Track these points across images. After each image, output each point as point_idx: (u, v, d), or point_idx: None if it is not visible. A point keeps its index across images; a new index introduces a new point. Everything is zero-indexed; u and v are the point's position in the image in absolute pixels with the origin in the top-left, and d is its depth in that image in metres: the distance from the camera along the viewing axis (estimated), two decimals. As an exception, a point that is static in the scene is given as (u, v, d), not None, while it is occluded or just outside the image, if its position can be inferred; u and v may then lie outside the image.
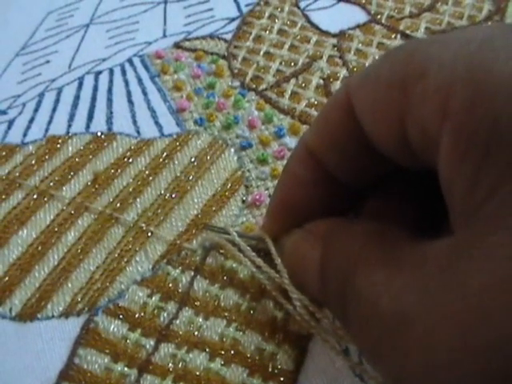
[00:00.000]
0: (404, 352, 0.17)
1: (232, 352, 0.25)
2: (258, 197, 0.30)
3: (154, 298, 0.27)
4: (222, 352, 0.25)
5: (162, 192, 0.30)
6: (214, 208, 0.30)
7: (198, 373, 0.25)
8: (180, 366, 0.25)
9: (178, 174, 0.31)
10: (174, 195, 0.30)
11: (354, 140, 0.22)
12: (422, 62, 0.18)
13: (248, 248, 0.26)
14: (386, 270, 0.18)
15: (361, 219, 0.24)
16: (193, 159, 0.31)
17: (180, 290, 0.27)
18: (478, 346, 0.15)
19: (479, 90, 0.16)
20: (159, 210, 0.29)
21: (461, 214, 0.17)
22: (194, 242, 0.28)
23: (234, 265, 0.27)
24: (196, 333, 0.26)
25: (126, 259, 0.28)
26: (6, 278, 0.28)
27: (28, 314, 0.27)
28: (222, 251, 0.28)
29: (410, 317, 0.17)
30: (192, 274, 0.27)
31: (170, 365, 0.25)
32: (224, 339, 0.25)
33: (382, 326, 0.18)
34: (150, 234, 0.29)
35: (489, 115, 0.16)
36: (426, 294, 0.16)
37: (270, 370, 0.25)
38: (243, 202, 0.30)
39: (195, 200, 0.30)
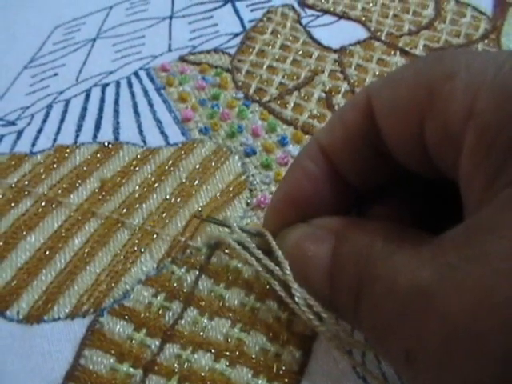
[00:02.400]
0: (421, 323, 0.17)
1: (237, 353, 0.25)
2: (262, 199, 0.30)
3: (158, 298, 0.27)
4: (227, 353, 0.25)
5: (168, 197, 0.31)
6: (218, 209, 0.30)
7: (203, 373, 0.25)
8: (185, 366, 0.25)
9: (183, 180, 0.31)
10: (179, 199, 0.30)
11: (369, 142, 0.22)
12: (450, 65, 0.19)
13: (249, 240, 0.26)
14: (404, 253, 0.19)
15: (369, 219, 0.24)
16: (197, 166, 0.32)
17: (185, 290, 0.27)
18: (501, 302, 0.15)
19: (508, 93, 0.17)
20: (164, 214, 0.30)
21: (479, 205, 0.18)
22: (199, 239, 0.29)
23: (239, 265, 0.28)
24: (201, 333, 0.26)
25: (131, 260, 0.28)
26: (14, 282, 0.28)
27: (35, 317, 0.27)
28: (226, 251, 0.28)
29: (428, 289, 0.17)
30: (197, 273, 0.28)
31: (176, 365, 0.25)
32: (229, 340, 0.26)
33: (398, 301, 0.18)
34: (155, 236, 0.29)
35: None
36: (445, 267, 0.17)
37: (275, 370, 0.25)
38: (247, 204, 0.31)
39: (200, 203, 0.30)
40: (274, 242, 0.25)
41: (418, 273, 0.18)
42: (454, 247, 0.17)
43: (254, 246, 0.26)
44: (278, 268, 0.24)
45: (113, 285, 0.28)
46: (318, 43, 0.39)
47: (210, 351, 0.25)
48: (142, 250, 0.29)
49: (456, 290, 0.16)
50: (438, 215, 0.22)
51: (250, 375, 0.25)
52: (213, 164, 0.32)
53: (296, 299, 0.23)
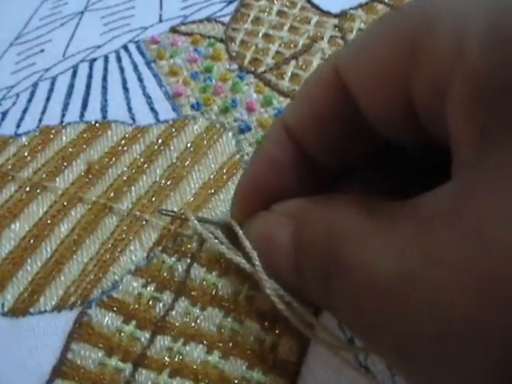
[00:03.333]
0: (411, 316, 0.16)
1: (230, 344, 0.24)
2: (256, 181, 0.28)
3: (148, 288, 0.26)
4: (220, 344, 0.24)
5: (158, 179, 0.29)
6: (210, 192, 0.28)
7: (195, 366, 0.24)
8: (176, 359, 0.24)
9: (174, 161, 0.30)
10: (169, 182, 0.29)
11: (341, 119, 0.20)
12: (431, 13, 0.17)
13: (210, 236, 0.25)
14: (377, 233, 0.17)
15: (335, 194, 0.22)
16: (189, 145, 0.30)
17: (176, 279, 0.26)
18: (504, 294, 0.14)
19: (497, 32, 0.15)
20: (154, 198, 0.28)
21: (470, 159, 0.16)
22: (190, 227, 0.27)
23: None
24: (193, 324, 0.25)
25: (119, 249, 0.27)
26: (-1, 273, 0.27)
27: (20, 309, 0.26)
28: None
29: (414, 275, 0.15)
30: (188, 261, 0.26)
31: (166, 358, 0.24)
32: (222, 330, 0.24)
33: (381, 293, 0.16)
34: (144, 222, 0.28)
35: (508, 59, 0.15)
36: (432, 248, 0.15)
37: (271, 362, 0.24)
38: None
39: (192, 186, 0.29)
40: (241, 232, 0.24)
41: (401, 256, 0.16)
42: (440, 220, 0.15)
43: (211, 236, 0.25)
44: (244, 261, 0.23)
45: (101, 275, 0.26)
46: (317, 8, 0.37)
47: (203, 343, 0.24)
48: (131, 238, 0.27)
49: (448, 277, 0.15)
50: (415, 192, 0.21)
51: (244, 367, 0.24)
52: (205, 143, 0.30)
53: (266, 291, 0.22)
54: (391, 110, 0.19)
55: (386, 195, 0.20)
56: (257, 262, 0.22)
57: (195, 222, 0.25)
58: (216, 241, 0.25)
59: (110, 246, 0.27)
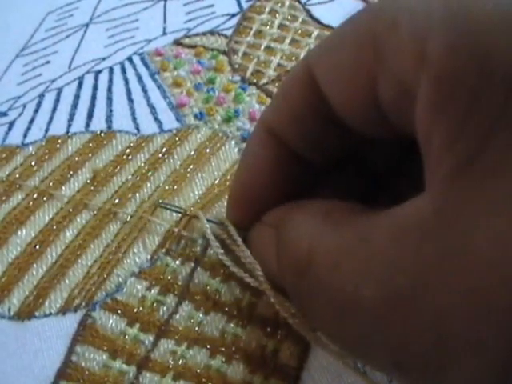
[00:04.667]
0: (406, 331, 0.16)
1: (233, 349, 0.24)
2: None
3: (152, 291, 0.26)
4: (223, 349, 0.24)
5: (161, 185, 0.30)
6: (213, 198, 0.29)
7: (198, 370, 0.24)
8: (180, 362, 0.24)
9: (178, 168, 0.30)
10: (172, 188, 0.29)
11: (317, 115, 0.21)
12: (392, 13, 0.17)
13: (217, 245, 0.25)
14: (351, 255, 0.17)
15: (314, 199, 0.22)
16: (192, 153, 0.31)
17: (179, 283, 0.26)
18: (499, 308, 0.14)
19: (461, 32, 0.15)
20: (157, 201, 0.29)
21: (445, 168, 0.15)
22: (194, 230, 0.28)
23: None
24: (196, 328, 0.25)
25: (123, 250, 0.27)
26: (5, 278, 0.27)
27: (26, 313, 0.26)
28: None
29: (408, 297, 0.15)
30: (192, 265, 0.27)
31: (170, 361, 0.24)
32: (225, 335, 0.25)
33: (368, 313, 0.16)
34: (147, 224, 0.28)
35: (476, 56, 0.14)
36: (425, 269, 0.15)
37: (272, 366, 0.24)
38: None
39: (195, 192, 0.29)
40: (235, 234, 0.24)
41: (382, 281, 0.16)
42: (423, 237, 0.15)
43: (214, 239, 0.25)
44: (247, 275, 0.24)
45: (105, 276, 0.27)
46: (318, 22, 0.38)
47: (206, 347, 0.24)
48: (135, 239, 0.28)
49: (443, 295, 0.15)
50: (400, 182, 0.21)
51: (246, 371, 0.24)
52: (208, 151, 0.31)
53: (271, 300, 0.22)
54: (359, 108, 0.19)
55: (365, 195, 0.21)
56: (259, 273, 0.23)
57: (205, 221, 0.26)
58: (221, 251, 0.25)
59: (113, 248, 0.27)
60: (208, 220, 0.26)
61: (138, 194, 0.29)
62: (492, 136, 0.14)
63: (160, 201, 0.29)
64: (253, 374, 0.24)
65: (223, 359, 0.24)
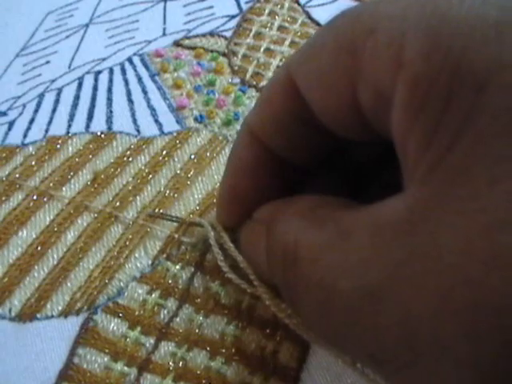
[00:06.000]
0: (378, 330, 0.16)
1: (233, 350, 0.25)
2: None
3: (153, 295, 0.26)
4: (223, 350, 0.25)
5: (162, 189, 0.30)
6: (213, 202, 0.29)
7: (198, 371, 0.24)
8: (180, 364, 0.25)
9: (178, 172, 0.30)
10: (173, 192, 0.30)
11: (298, 119, 0.21)
12: (369, 19, 0.17)
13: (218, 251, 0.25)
14: (331, 249, 0.17)
15: (302, 196, 0.23)
16: (192, 156, 0.31)
17: (180, 287, 0.26)
18: (461, 308, 0.14)
19: (435, 37, 0.15)
20: (158, 207, 0.29)
21: (419, 170, 0.16)
22: (194, 234, 0.28)
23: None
24: (196, 331, 0.25)
25: (124, 255, 0.28)
26: (6, 279, 0.27)
27: (27, 314, 0.26)
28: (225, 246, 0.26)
29: (378, 291, 0.16)
30: (192, 270, 0.27)
31: (171, 363, 0.25)
32: (225, 337, 0.25)
33: (344, 309, 0.17)
34: (148, 230, 0.28)
35: (448, 61, 0.15)
36: (392, 264, 0.15)
37: (272, 367, 0.24)
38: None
39: (195, 196, 0.29)
40: (226, 236, 0.25)
41: (359, 273, 0.16)
42: (396, 236, 0.16)
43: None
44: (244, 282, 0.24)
45: (106, 281, 0.27)
46: (317, 24, 0.38)
47: (206, 349, 0.25)
48: (136, 245, 0.28)
49: (410, 292, 0.15)
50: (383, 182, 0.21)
51: (246, 373, 0.24)
52: (208, 154, 0.31)
53: (266, 302, 0.23)
54: (340, 113, 0.19)
55: (350, 193, 0.21)
56: (253, 277, 0.23)
57: (209, 227, 0.26)
58: (221, 258, 0.25)
59: (115, 253, 0.28)
60: (198, 224, 0.27)
61: (138, 198, 0.30)
62: (459, 138, 0.14)
63: (161, 211, 0.29)
64: (252, 375, 0.24)
65: (223, 360, 0.25)
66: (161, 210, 0.29)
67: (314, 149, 0.23)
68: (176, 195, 0.29)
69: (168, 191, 0.30)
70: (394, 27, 0.16)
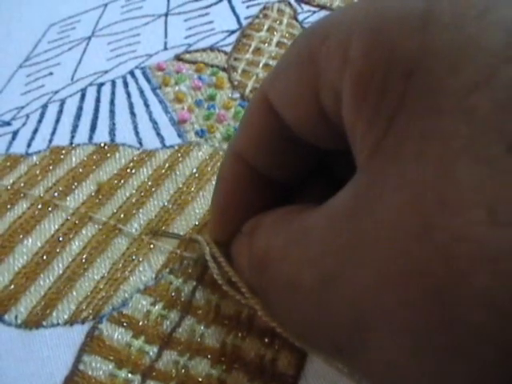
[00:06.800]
0: (335, 313, 0.17)
1: (233, 358, 0.26)
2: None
3: (157, 307, 0.27)
4: (223, 358, 0.26)
5: (165, 204, 0.31)
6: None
7: (200, 379, 0.25)
8: (182, 372, 0.25)
9: (180, 186, 0.31)
10: (175, 206, 0.31)
11: (277, 136, 0.22)
12: (323, 29, 0.19)
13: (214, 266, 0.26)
14: (295, 244, 0.19)
15: (282, 207, 0.24)
16: (194, 170, 0.32)
17: (182, 299, 0.27)
18: (397, 278, 0.15)
19: (375, 35, 0.17)
20: (161, 223, 0.30)
21: (362, 157, 0.17)
22: (195, 250, 0.29)
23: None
24: (198, 340, 0.26)
25: (129, 269, 0.29)
26: (12, 287, 0.28)
27: (33, 322, 0.27)
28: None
29: (331, 275, 0.17)
30: (194, 283, 0.28)
31: (173, 371, 0.25)
32: (225, 346, 0.26)
33: (306, 298, 0.18)
34: (152, 246, 0.29)
35: (383, 53, 0.16)
36: (345, 249, 0.17)
37: (271, 375, 0.25)
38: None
39: (196, 211, 0.30)
40: (217, 251, 0.26)
41: (315, 262, 0.17)
42: (345, 222, 0.17)
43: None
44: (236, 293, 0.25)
45: (112, 292, 0.28)
46: (315, 40, 0.39)
47: (207, 357, 0.26)
48: (141, 259, 0.29)
49: (357, 271, 0.16)
50: None
51: (246, 380, 0.25)
52: (209, 169, 0.32)
53: (259, 313, 0.24)
54: (310, 123, 0.20)
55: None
56: (244, 289, 0.24)
57: (204, 243, 0.27)
58: (217, 271, 0.26)
59: (120, 266, 0.29)
60: (195, 240, 0.28)
61: (142, 211, 0.30)
62: (393, 121, 0.16)
63: (163, 228, 0.30)
64: (252, 382, 0.25)
65: (224, 368, 0.25)
66: (163, 227, 0.30)
67: (297, 165, 0.24)
68: (178, 210, 0.30)
69: (171, 206, 0.31)
70: (343, 31, 0.18)
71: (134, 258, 0.29)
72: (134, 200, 0.31)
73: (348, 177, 0.23)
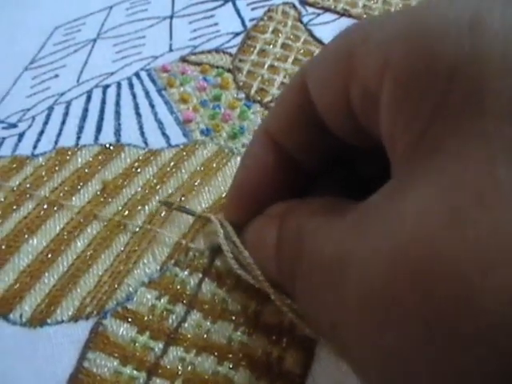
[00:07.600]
0: (341, 292, 0.18)
1: (240, 355, 0.25)
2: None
3: (162, 301, 0.27)
4: (230, 356, 0.25)
5: (170, 200, 0.30)
6: (219, 212, 0.30)
7: (206, 376, 0.25)
8: (189, 369, 0.25)
9: (185, 181, 0.31)
10: (180, 201, 0.30)
11: (310, 121, 0.23)
12: (365, 28, 0.20)
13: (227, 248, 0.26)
14: (329, 225, 0.20)
15: (312, 197, 0.24)
16: (199, 167, 0.32)
17: (188, 293, 0.27)
18: (407, 271, 0.15)
19: (416, 37, 0.17)
20: (166, 216, 0.30)
21: (400, 161, 0.18)
22: (202, 241, 0.29)
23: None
24: (204, 336, 0.26)
25: (133, 260, 0.28)
26: (17, 285, 0.28)
27: (38, 320, 0.27)
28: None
29: (347, 256, 0.18)
30: (200, 276, 0.28)
31: (179, 368, 0.25)
32: (232, 343, 0.26)
33: (323, 273, 0.19)
34: (156, 236, 0.29)
35: (425, 57, 0.17)
36: (362, 236, 0.17)
37: (277, 373, 0.25)
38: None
39: (202, 205, 0.30)
40: (231, 229, 0.26)
41: (341, 243, 0.18)
42: (373, 212, 0.18)
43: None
44: (251, 278, 0.25)
45: (116, 286, 0.28)
46: (320, 42, 0.39)
47: (214, 354, 0.25)
48: (145, 251, 0.29)
49: (371, 255, 0.17)
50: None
51: (252, 378, 0.25)
52: (214, 165, 0.32)
53: (272, 297, 0.24)
54: (337, 115, 0.21)
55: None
56: (258, 272, 0.24)
57: (219, 224, 0.27)
58: (231, 255, 0.26)
59: (124, 258, 0.28)
60: (200, 216, 0.28)
61: (146, 207, 0.30)
62: (433, 122, 0.16)
63: (175, 205, 0.30)
64: (258, 380, 0.25)
65: (230, 366, 0.25)
66: (167, 222, 0.30)
67: (322, 151, 0.24)
68: (183, 203, 0.30)
69: (175, 199, 0.30)
70: (384, 33, 0.19)
71: (137, 249, 0.29)
72: (138, 197, 0.31)
73: (373, 169, 0.23)
